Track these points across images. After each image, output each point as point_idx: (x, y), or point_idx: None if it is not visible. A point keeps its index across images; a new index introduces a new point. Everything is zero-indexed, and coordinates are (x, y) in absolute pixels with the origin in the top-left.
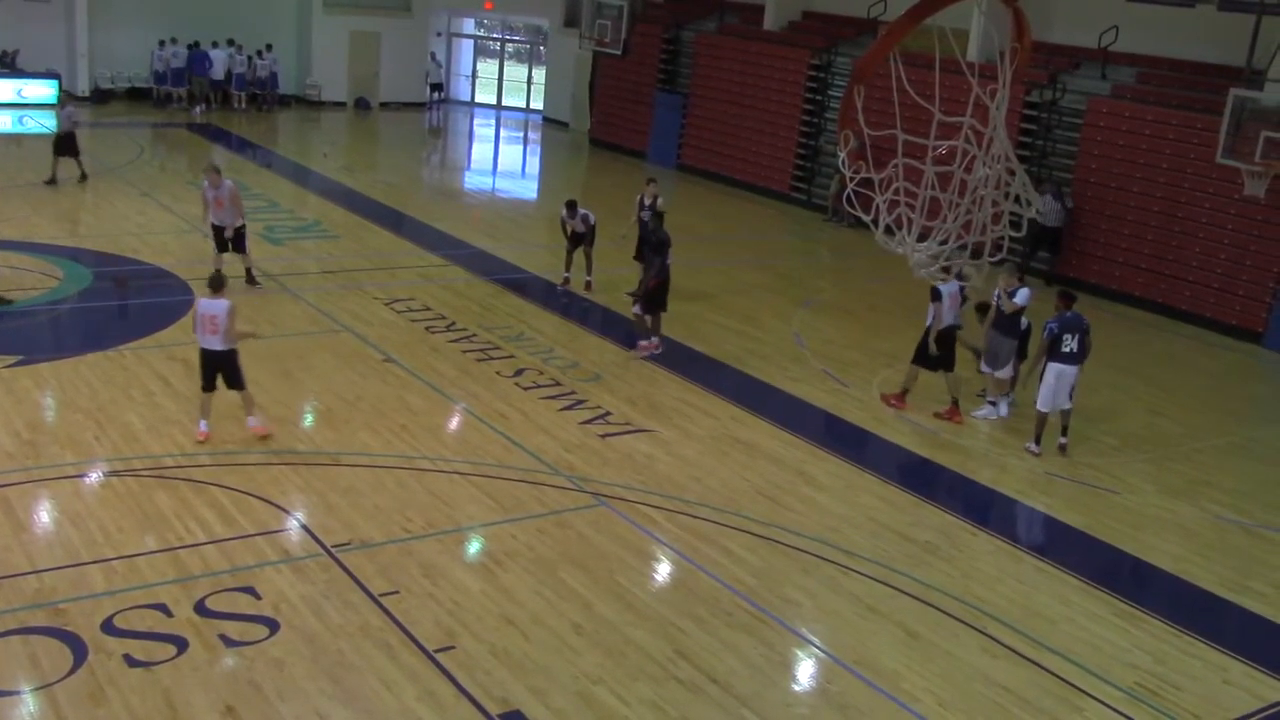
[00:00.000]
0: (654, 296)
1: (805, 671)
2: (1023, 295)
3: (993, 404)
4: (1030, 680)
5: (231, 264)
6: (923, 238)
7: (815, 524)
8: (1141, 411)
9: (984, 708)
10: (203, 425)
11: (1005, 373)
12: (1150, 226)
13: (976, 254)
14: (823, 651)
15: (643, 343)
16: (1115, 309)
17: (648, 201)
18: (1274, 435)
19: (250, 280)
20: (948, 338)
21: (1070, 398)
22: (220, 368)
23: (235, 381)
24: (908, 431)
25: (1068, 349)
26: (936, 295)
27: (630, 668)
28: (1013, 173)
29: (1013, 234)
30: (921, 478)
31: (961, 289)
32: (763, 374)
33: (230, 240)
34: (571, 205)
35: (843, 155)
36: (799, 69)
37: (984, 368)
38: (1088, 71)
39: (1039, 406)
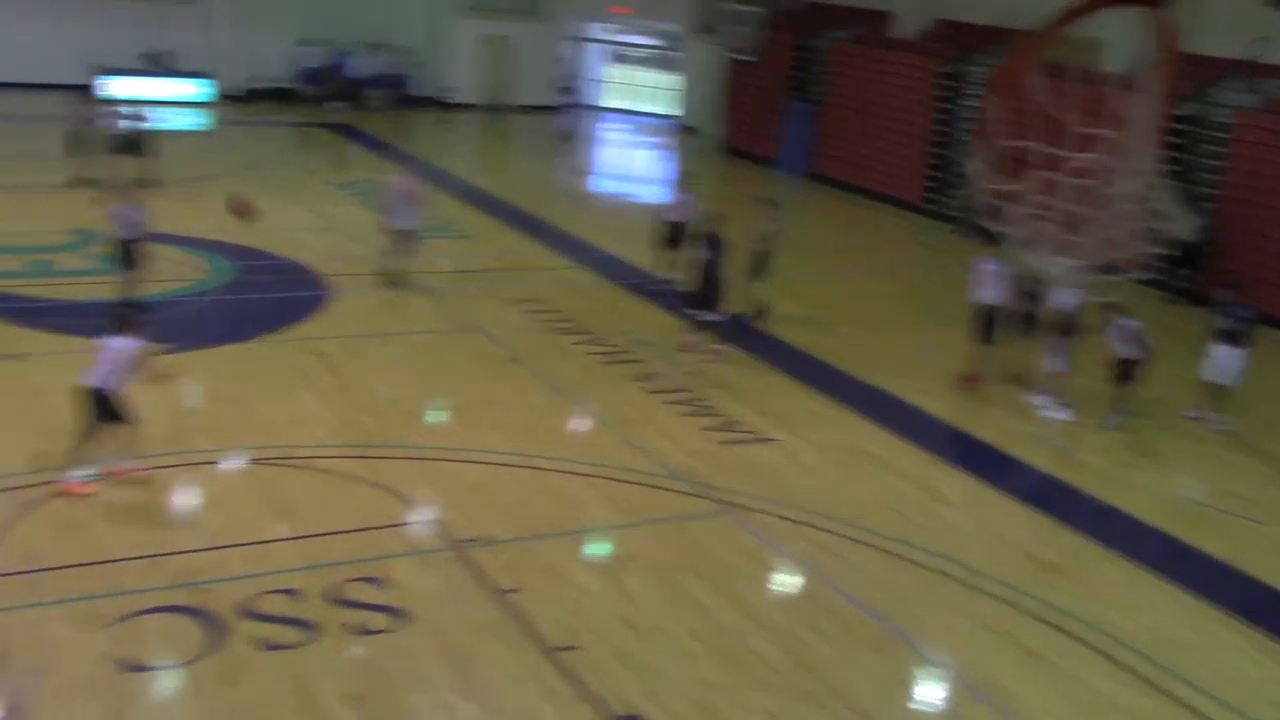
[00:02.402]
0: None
1: (927, 689)
2: (1065, 297)
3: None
4: (1159, 710)
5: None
6: (1058, 252)
7: (942, 540)
8: None
9: None
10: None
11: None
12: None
13: (1114, 270)
14: (947, 670)
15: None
16: (1264, 332)
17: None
18: None
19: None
20: (988, 312)
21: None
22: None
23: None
24: (1039, 449)
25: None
26: (974, 269)
27: (750, 677)
28: (1157, 188)
29: (1155, 250)
30: (1053, 497)
31: (1010, 273)
32: (890, 386)
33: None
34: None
35: (977, 167)
36: (929, 78)
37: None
38: (1235, 84)
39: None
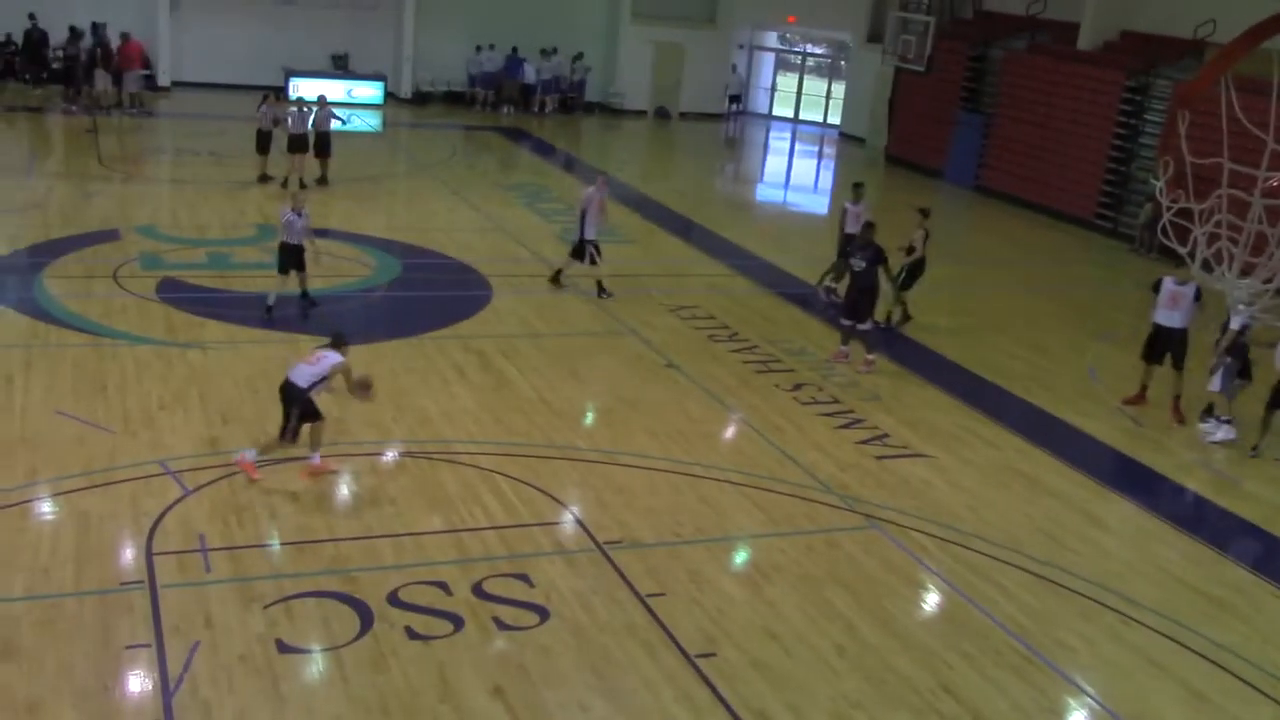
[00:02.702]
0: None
1: None
2: (1236, 320)
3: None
4: None
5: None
6: (1244, 274)
7: (1098, 568)
8: None
9: None
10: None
11: (1214, 385)
12: None
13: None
14: (1097, 703)
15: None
16: None
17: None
18: None
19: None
20: (1164, 335)
21: None
22: (288, 405)
23: (285, 429)
24: (1206, 478)
25: None
26: (1156, 287)
27: (891, 696)
28: None
29: None
30: (1220, 529)
31: (1197, 292)
32: (1050, 406)
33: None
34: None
35: (1161, 183)
36: (1113, 91)
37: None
38: None
39: None
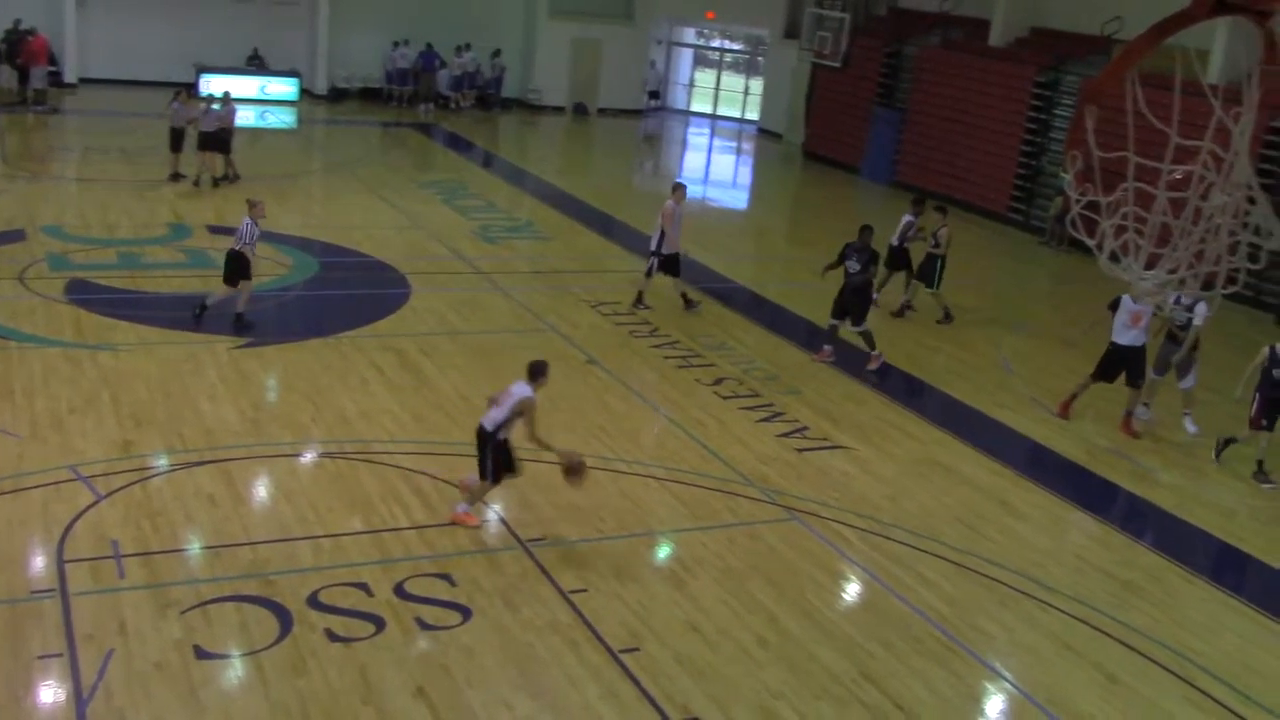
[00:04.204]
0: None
1: (995, 706)
2: (1199, 310)
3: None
4: None
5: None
6: (1150, 265)
7: (1015, 555)
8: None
9: None
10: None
11: (1187, 383)
12: None
13: (1208, 285)
14: (1014, 687)
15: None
16: None
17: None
18: None
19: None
20: (1123, 354)
21: None
22: (480, 448)
23: (483, 470)
24: (1121, 467)
25: None
26: (1113, 305)
27: (814, 686)
28: (1253, 201)
29: (1250, 266)
30: (1133, 516)
31: (1155, 311)
32: (968, 397)
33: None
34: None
35: (1069, 177)
36: (1024, 87)
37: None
38: None
39: None
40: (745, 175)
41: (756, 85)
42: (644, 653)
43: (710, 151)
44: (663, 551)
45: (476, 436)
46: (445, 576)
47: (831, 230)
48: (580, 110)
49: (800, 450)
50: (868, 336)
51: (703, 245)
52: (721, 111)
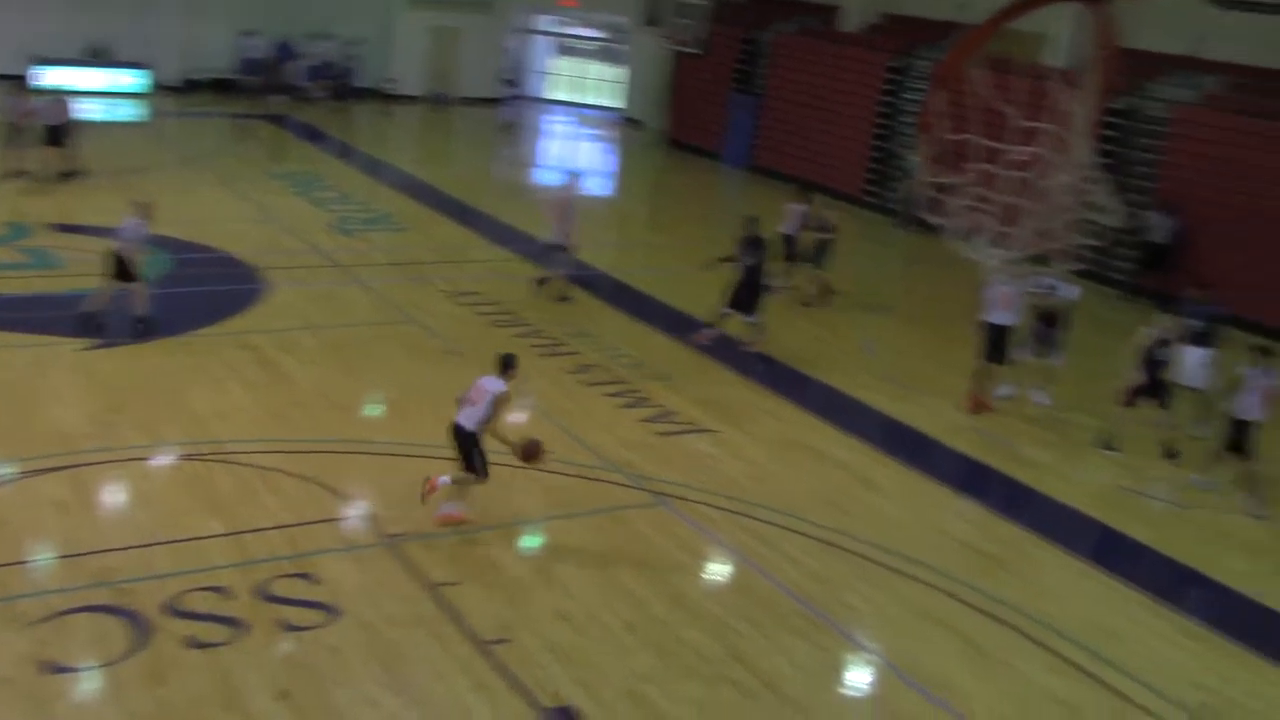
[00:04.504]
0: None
1: (860, 679)
2: (1069, 291)
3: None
4: (1093, 698)
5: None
6: (997, 244)
7: (879, 531)
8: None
9: None
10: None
11: (1056, 360)
12: (1235, 238)
13: (1052, 261)
14: (880, 659)
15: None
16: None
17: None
18: None
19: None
20: (999, 333)
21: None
22: (463, 447)
23: (469, 465)
24: (976, 441)
25: None
26: (985, 289)
27: (682, 667)
28: (1092, 180)
29: (1092, 242)
30: (990, 488)
31: (1026, 290)
32: (831, 379)
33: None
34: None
35: (919, 160)
36: (876, 72)
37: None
38: (1173, 79)
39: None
40: (608, 163)
41: (618, 73)
42: (513, 643)
43: (572, 140)
44: (530, 541)
45: (455, 436)
46: (308, 576)
47: (693, 216)
48: (437, 99)
49: (666, 435)
50: (758, 328)
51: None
52: (583, 100)
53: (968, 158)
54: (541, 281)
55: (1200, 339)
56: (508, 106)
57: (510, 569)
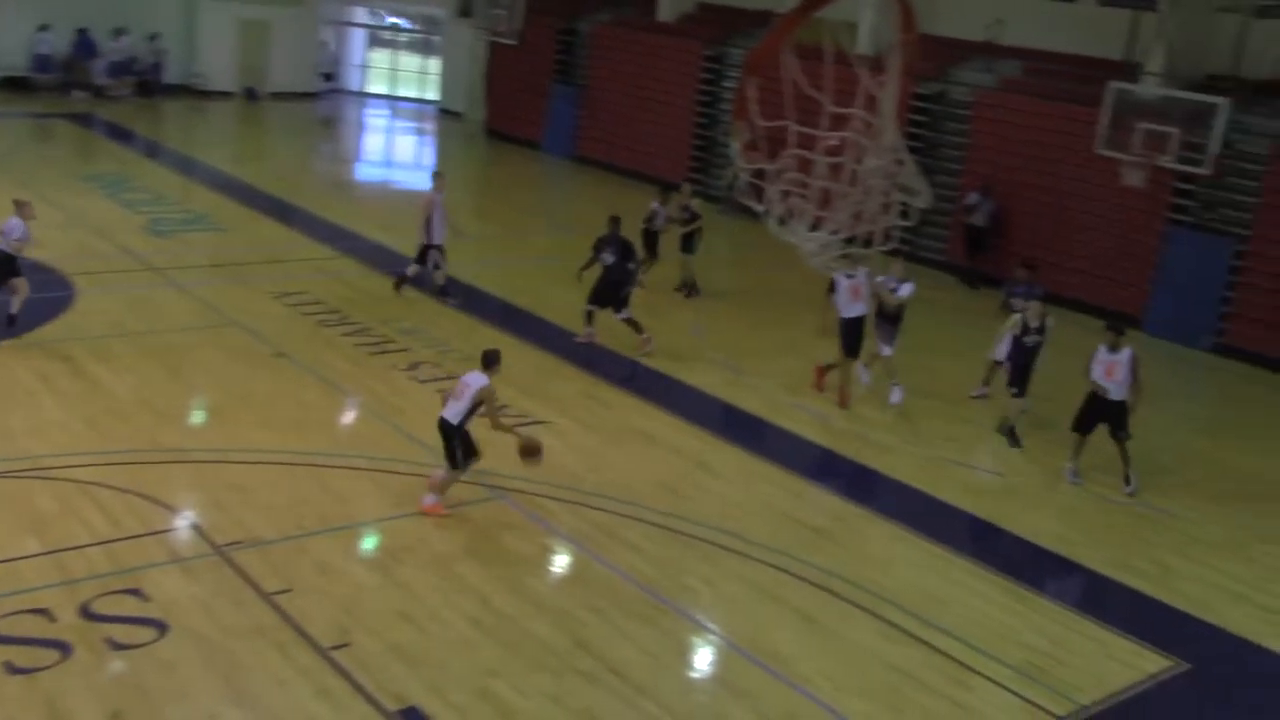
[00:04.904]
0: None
1: (703, 659)
2: (906, 289)
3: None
4: (923, 660)
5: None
6: (815, 227)
7: (714, 513)
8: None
9: (878, 688)
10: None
11: (887, 351)
12: (1036, 216)
13: (867, 243)
14: (720, 638)
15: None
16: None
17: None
18: (1151, 414)
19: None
20: (857, 325)
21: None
22: (447, 440)
23: (453, 461)
24: (804, 420)
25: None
26: (832, 287)
27: (529, 660)
28: (902, 163)
29: (903, 223)
30: (818, 465)
31: (866, 278)
32: (660, 365)
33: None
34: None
35: (736, 147)
36: (694, 61)
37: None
38: (974, 64)
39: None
40: (428, 155)
41: (434, 65)
42: (355, 646)
43: (391, 133)
44: (368, 542)
45: (441, 430)
46: (136, 592)
47: (519, 206)
48: (250, 95)
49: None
50: (632, 324)
51: (389, 228)
52: (400, 92)
53: (783, 144)
54: (400, 283)
55: None
56: (325, 100)
57: (349, 572)
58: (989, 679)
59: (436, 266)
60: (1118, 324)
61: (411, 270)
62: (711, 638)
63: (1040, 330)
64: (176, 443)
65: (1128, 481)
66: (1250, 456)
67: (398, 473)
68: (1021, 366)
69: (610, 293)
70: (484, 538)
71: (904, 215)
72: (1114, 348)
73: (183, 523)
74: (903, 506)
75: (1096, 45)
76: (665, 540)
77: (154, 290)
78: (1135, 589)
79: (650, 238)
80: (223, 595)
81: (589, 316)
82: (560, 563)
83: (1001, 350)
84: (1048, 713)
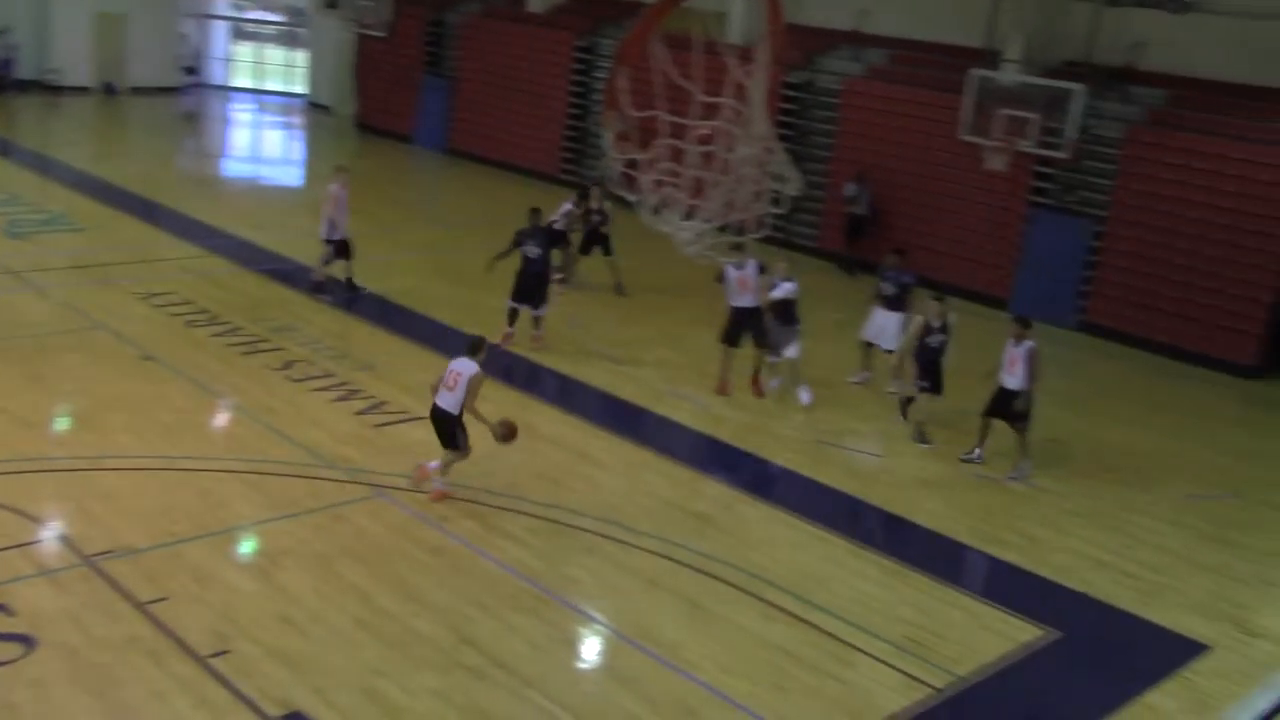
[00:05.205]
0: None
1: (590, 649)
2: (785, 288)
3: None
4: (805, 640)
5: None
6: (689, 216)
7: (597, 503)
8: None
9: (762, 670)
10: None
11: (791, 352)
12: (905, 201)
13: (740, 231)
14: (606, 628)
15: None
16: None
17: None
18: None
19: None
20: (743, 316)
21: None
22: (444, 428)
23: (456, 445)
24: (685, 408)
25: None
26: (720, 278)
27: (414, 658)
28: (772, 151)
29: (775, 211)
30: (698, 451)
31: (759, 270)
32: (541, 357)
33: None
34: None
35: (609, 137)
36: (565, 51)
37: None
38: (842, 53)
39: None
40: (297, 150)
41: (301, 58)
42: (234, 654)
43: (258, 128)
44: (245, 547)
45: (436, 419)
46: (0, 607)
47: (392, 201)
48: (109, 90)
49: (380, 426)
50: (538, 321)
51: (258, 225)
52: (266, 86)
53: (655, 133)
54: (318, 286)
55: (893, 303)
56: (188, 95)
57: (227, 577)
58: (869, 655)
59: (326, 262)
60: (1024, 317)
61: (340, 269)
62: (597, 627)
63: (943, 329)
64: (40, 451)
65: (1016, 469)
66: (1114, 429)
67: (273, 474)
68: (928, 364)
69: (534, 286)
70: (364, 537)
71: (776, 203)
72: (1017, 340)
73: (49, 533)
74: (784, 490)
75: (959, 33)
76: (548, 532)
77: (12, 294)
78: (1008, 561)
79: (562, 238)
80: (94, 607)
81: (512, 314)
82: (444, 559)
83: (871, 331)
84: (927, 685)
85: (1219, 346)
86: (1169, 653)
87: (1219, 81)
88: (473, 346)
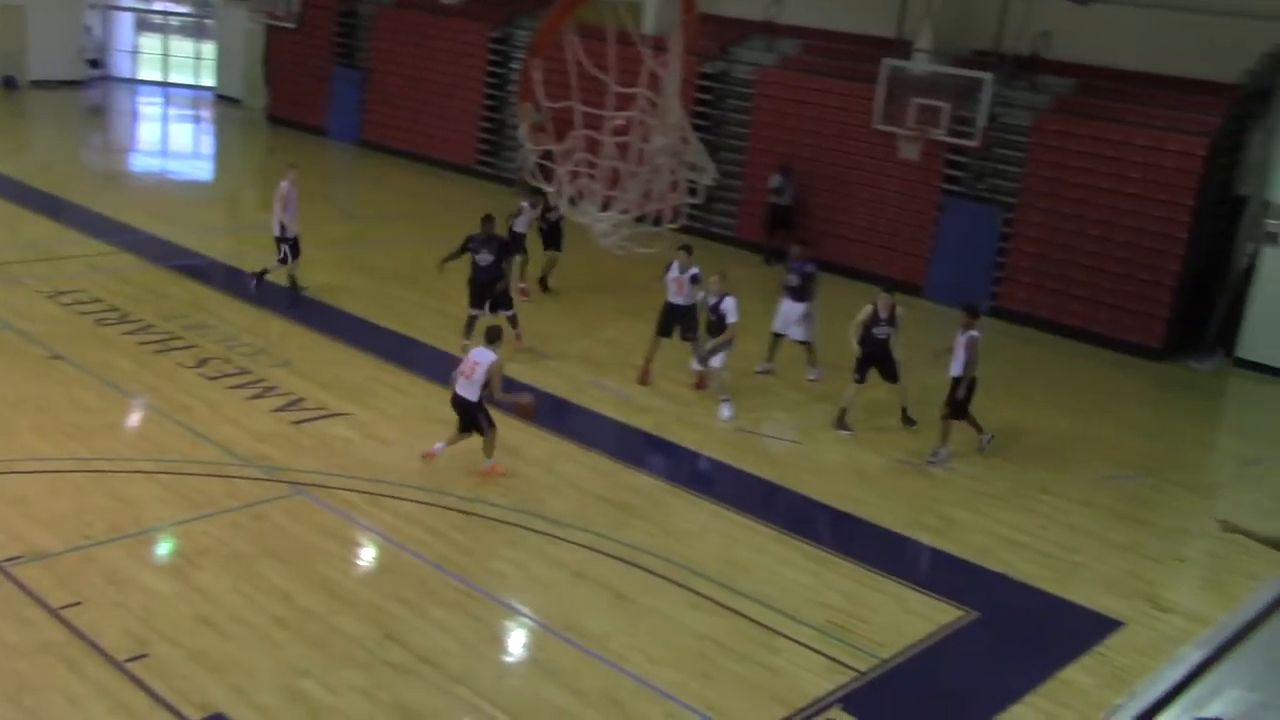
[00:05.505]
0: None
1: (516, 642)
2: (728, 304)
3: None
4: (731, 628)
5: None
6: (605, 207)
7: (521, 496)
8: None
9: (689, 659)
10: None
11: (716, 363)
12: (821, 190)
13: (657, 221)
14: (532, 621)
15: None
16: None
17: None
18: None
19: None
20: (676, 311)
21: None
22: (467, 415)
23: (482, 427)
24: (606, 399)
25: None
26: (668, 268)
27: (337, 656)
28: (687, 141)
29: (691, 200)
30: (621, 443)
31: (694, 276)
32: (459, 350)
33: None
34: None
35: (524, 129)
36: (479, 43)
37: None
38: (756, 43)
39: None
40: (206, 144)
41: (209, 50)
42: (152, 657)
43: (165, 121)
44: (161, 548)
45: (459, 407)
46: None
47: (305, 194)
48: (9, 84)
49: (297, 423)
50: (514, 320)
51: (168, 220)
52: (173, 79)
53: (570, 124)
54: (259, 279)
55: (797, 293)
56: (92, 88)
57: (143, 580)
58: (794, 640)
59: (283, 261)
60: (972, 306)
61: (290, 269)
62: (523, 620)
63: (890, 321)
64: None
65: (934, 453)
66: (1028, 412)
67: (189, 474)
68: (870, 356)
69: (486, 293)
70: (284, 535)
71: (692, 193)
72: (964, 328)
73: None
74: (706, 479)
75: (870, 23)
76: (472, 526)
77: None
78: (927, 544)
79: (516, 237)
80: (5, 614)
81: (471, 323)
82: (366, 555)
83: (779, 322)
84: (851, 669)
85: (1128, 330)
86: (1084, 630)
87: (1124, 70)
88: (489, 335)
